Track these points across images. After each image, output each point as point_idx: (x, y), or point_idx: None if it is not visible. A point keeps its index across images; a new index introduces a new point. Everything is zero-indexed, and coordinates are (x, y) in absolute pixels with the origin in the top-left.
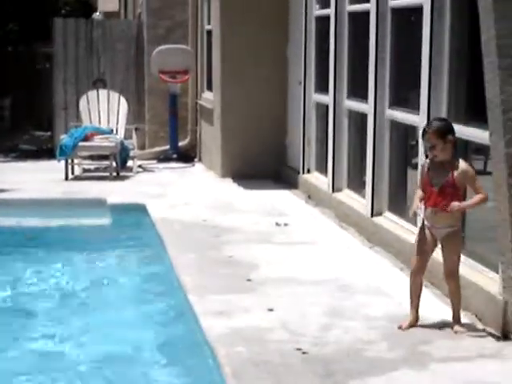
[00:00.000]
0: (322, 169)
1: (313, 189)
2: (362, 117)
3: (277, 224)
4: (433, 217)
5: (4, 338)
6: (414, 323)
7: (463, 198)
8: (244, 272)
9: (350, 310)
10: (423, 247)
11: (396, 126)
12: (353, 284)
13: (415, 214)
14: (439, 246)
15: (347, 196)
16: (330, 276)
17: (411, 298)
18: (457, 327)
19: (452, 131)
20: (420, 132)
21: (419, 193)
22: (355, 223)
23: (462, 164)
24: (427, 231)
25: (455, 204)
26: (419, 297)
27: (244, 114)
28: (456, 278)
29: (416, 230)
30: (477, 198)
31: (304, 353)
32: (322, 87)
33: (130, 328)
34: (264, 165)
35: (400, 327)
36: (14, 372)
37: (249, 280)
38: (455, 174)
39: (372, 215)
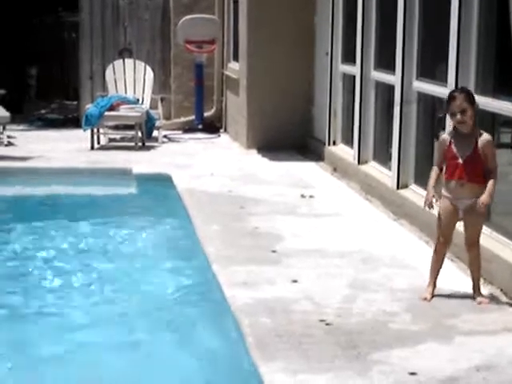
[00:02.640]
0: (348, 141)
1: (338, 161)
2: (389, 88)
3: (302, 196)
4: (458, 189)
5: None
6: (433, 293)
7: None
8: (269, 243)
9: (375, 283)
10: (447, 220)
11: (423, 98)
12: (377, 256)
13: (431, 206)
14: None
15: (373, 168)
16: (354, 248)
17: (432, 269)
18: (479, 298)
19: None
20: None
21: (434, 176)
22: (381, 196)
23: (486, 135)
24: (449, 203)
25: (484, 201)
26: (439, 270)
27: (270, 84)
28: (477, 247)
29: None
30: (491, 185)
31: (328, 324)
32: (349, 58)
33: (153, 299)
34: (290, 136)
35: (425, 299)
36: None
37: (273, 251)
38: (479, 143)
39: (398, 188)
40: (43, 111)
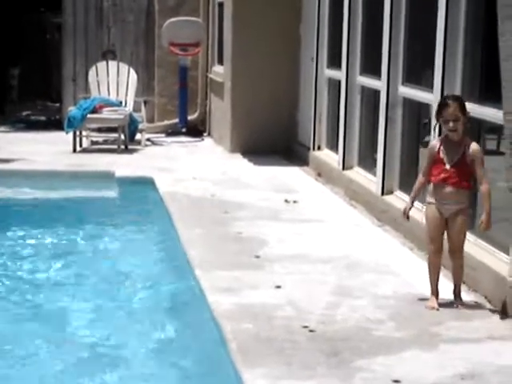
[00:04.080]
0: (333, 146)
1: (323, 166)
2: (375, 93)
3: (286, 201)
4: (443, 194)
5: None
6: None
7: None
8: (252, 248)
9: (358, 289)
10: (434, 226)
11: (409, 103)
12: (361, 262)
13: (407, 216)
14: None
15: (358, 174)
16: (338, 254)
17: (431, 279)
18: (459, 302)
19: None
20: (435, 107)
21: (417, 186)
22: (365, 201)
23: (474, 144)
24: (435, 209)
25: (485, 221)
26: (438, 278)
27: (255, 88)
28: (461, 255)
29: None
30: (486, 195)
31: (311, 331)
32: (335, 63)
33: (133, 303)
34: (274, 141)
35: (433, 308)
36: None
37: (257, 257)
38: (469, 151)
39: (382, 194)
40: (25, 113)
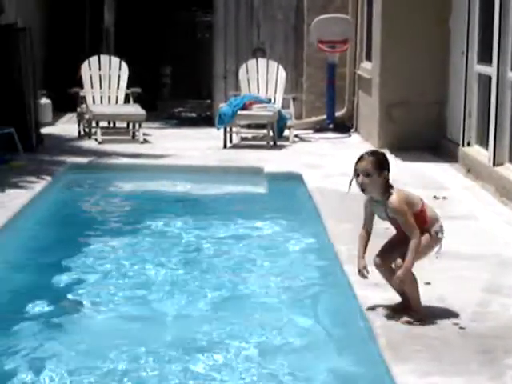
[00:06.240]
0: (483, 142)
1: (473, 162)
2: None
3: (435, 197)
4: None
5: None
6: None
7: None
8: None
9: (510, 287)
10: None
11: None
12: None
13: (363, 275)
14: None
15: (509, 170)
16: (489, 251)
17: None
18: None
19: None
20: None
21: (361, 242)
22: None
23: (393, 199)
24: None
25: (399, 276)
26: None
27: (403, 84)
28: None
29: None
30: (410, 250)
31: (461, 328)
32: (485, 58)
33: (284, 288)
34: (422, 137)
35: None
36: None
37: None
38: (387, 210)
39: None
40: (177, 110)
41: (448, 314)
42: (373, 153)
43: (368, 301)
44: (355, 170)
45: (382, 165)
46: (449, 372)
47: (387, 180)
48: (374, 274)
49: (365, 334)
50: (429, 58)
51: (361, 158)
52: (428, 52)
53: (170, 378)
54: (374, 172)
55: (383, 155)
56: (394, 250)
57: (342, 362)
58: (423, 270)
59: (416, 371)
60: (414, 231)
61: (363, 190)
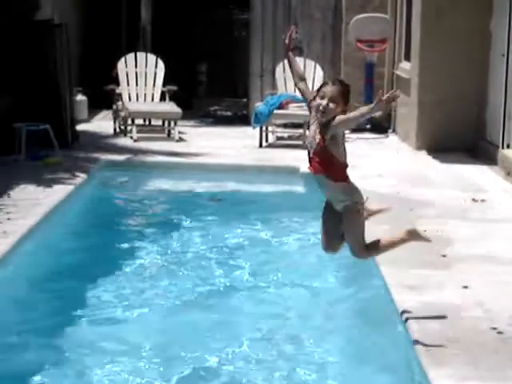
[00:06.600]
0: None
1: None
2: None
3: (473, 200)
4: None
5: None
6: None
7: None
8: (438, 247)
9: None
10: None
11: None
12: None
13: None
14: None
15: None
16: None
17: None
18: None
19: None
20: None
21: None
22: None
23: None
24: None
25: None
26: None
27: (442, 85)
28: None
29: None
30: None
31: (499, 332)
32: None
33: (322, 293)
34: (461, 138)
35: None
36: None
37: (443, 256)
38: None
39: None
40: (212, 108)
41: (486, 318)
42: (343, 82)
43: (404, 304)
44: (323, 92)
45: (348, 96)
46: (486, 377)
47: (345, 112)
48: (411, 276)
49: (401, 338)
50: (468, 59)
51: (330, 83)
52: (467, 52)
53: None
54: (340, 101)
55: (349, 86)
56: (333, 236)
57: (378, 365)
58: (461, 273)
59: (453, 376)
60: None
61: (322, 113)
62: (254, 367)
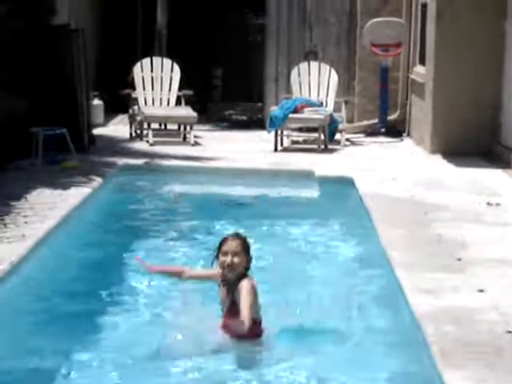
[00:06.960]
0: None
1: None
2: None
3: (488, 204)
4: None
5: None
6: None
7: None
8: (453, 251)
9: None
10: None
11: None
12: None
13: None
14: None
15: None
16: None
17: None
18: None
19: None
20: None
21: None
22: None
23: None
24: None
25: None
26: None
27: (457, 89)
28: None
29: None
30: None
31: None
32: None
33: (334, 299)
34: (475, 142)
35: None
36: None
37: (458, 259)
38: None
39: None
40: (227, 112)
41: (501, 321)
42: (240, 235)
43: (420, 308)
44: (224, 249)
45: (249, 250)
46: (502, 380)
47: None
48: (426, 280)
49: (417, 341)
50: (483, 63)
51: (230, 239)
52: (482, 56)
53: None
54: (243, 255)
55: (246, 238)
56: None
57: (393, 368)
58: (477, 277)
59: (468, 379)
60: (248, 317)
61: (229, 268)
62: None
